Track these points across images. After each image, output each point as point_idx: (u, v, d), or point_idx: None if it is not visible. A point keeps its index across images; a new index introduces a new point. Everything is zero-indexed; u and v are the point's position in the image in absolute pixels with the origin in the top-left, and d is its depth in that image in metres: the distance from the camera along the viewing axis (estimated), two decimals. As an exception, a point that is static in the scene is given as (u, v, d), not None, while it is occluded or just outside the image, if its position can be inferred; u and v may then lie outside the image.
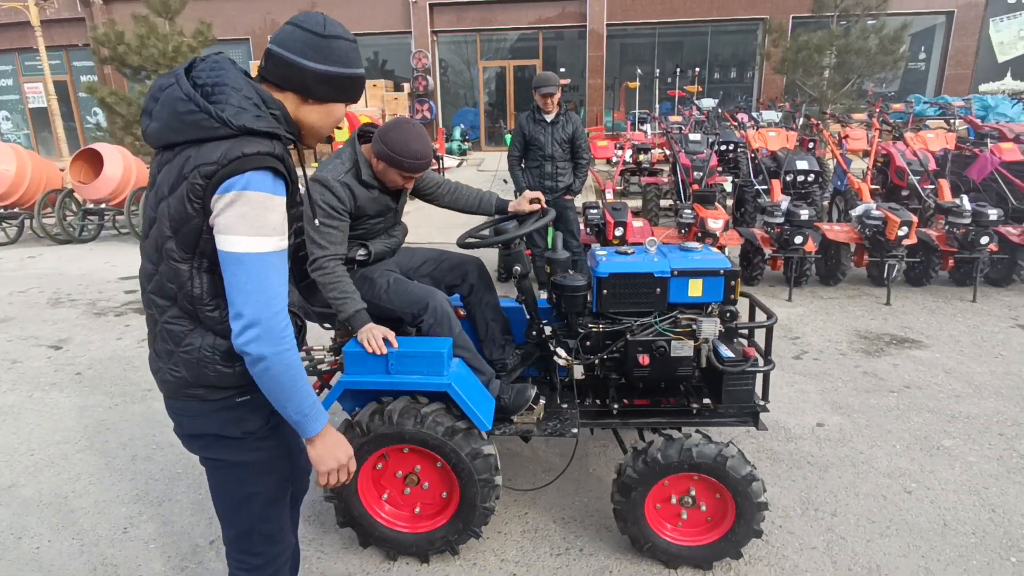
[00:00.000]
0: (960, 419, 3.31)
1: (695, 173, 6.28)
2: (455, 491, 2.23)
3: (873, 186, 6.41)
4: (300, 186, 1.45)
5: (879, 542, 2.40)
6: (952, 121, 8.30)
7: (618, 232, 5.00)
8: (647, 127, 10.81)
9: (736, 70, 15.91)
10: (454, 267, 2.61)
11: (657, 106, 14.81)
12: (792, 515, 2.57)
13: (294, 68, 1.29)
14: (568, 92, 16.16)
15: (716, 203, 5.40)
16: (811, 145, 7.35)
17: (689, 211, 5.24)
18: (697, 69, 14.85)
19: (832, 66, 11.08)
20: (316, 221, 2.18)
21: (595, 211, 5.19)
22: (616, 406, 2.44)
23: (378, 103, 15.20)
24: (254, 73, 1.31)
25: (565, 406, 2.48)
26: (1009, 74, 14.40)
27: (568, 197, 5.07)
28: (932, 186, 5.77)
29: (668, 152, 8.09)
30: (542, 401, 2.43)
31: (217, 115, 1.19)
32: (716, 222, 5.06)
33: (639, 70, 14.83)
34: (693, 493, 2.22)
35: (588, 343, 2.40)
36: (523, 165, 5.10)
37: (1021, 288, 5.42)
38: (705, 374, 2.46)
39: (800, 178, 6.12)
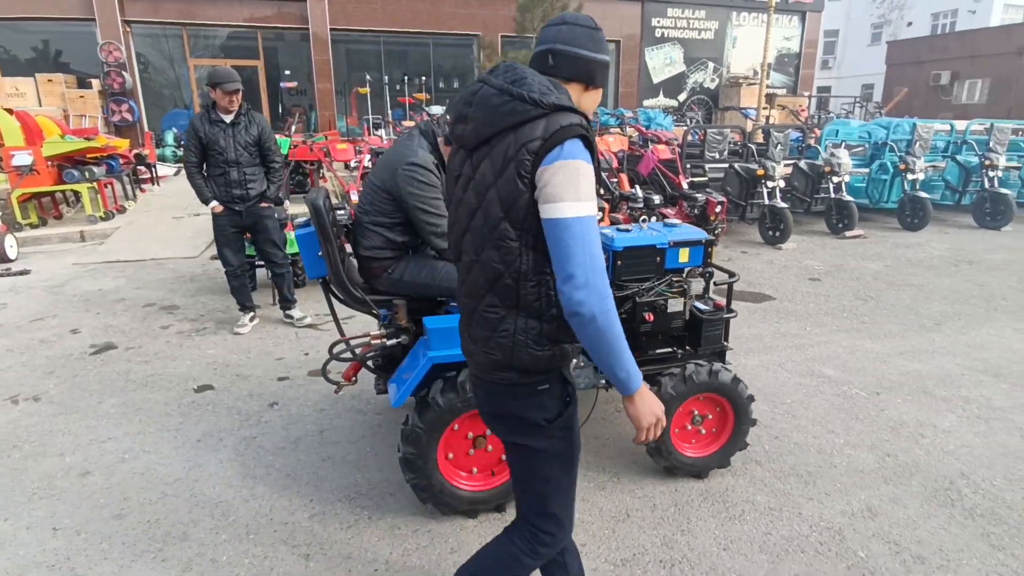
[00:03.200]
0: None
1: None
2: None
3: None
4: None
5: (616, 457, 3.11)
6: (624, 128, 10.40)
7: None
8: (381, 132, 11.16)
9: (459, 80, 17.24)
10: None
11: (390, 112, 15.28)
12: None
13: (582, 60, 1.44)
14: (296, 96, 15.64)
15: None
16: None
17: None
18: (423, 78, 15.69)
19: (536, 80, 12.79)
20: (429, 198, 2.47)
21: (342, 212, 5.34)
22: None
23: (58, 101, 12.71)
24: None
25: (584, 364, 2.87)
26: (662, 92, 18.36)
27: (265, 205, 4.51)
28: (616, 179, 7.22)
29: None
30: (575, 360, 2.73)
31: (530, 98, 1.32)
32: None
33: (368, 76, 15.08)
34: (697, 413, 2.76)
35: None
36: (204, 173, 4.41)
37: (680, 254, 7.16)
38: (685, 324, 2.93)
39: (521, 176, 7.10)
